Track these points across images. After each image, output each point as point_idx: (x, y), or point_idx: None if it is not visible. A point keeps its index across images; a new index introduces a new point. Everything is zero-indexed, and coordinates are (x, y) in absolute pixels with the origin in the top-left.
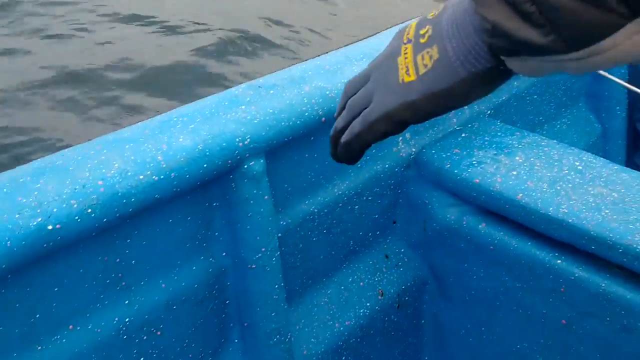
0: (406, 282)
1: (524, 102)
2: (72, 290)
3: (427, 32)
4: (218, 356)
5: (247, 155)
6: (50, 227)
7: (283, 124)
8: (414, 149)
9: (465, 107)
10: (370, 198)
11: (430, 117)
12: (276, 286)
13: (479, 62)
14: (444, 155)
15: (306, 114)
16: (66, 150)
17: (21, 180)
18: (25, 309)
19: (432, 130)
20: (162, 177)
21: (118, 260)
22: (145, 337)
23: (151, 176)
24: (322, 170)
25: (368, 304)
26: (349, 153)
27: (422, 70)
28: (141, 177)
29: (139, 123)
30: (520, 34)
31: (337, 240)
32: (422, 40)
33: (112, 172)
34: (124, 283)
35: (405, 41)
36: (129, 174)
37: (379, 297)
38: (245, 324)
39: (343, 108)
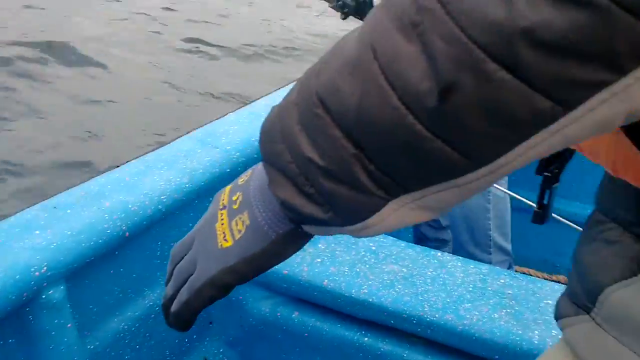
0: None
1: None
2: None
3: (238, 198)
4: None
5: (45, 284)
6: None
7: (84, 245)
8: None
9: None
10: None
11: (252, 278)
12: None
13: (284, 224)
14: None
15: (108, 231)
16: None
17: None
18: None
19: None
20: None
21: None
22: None
23: None
24: (130, 284)
25: None
26: (180, 321)
27: (237, 236)
28: None
29: None
30: (305, 210)
31: (151, 354)
32: (234, 207)
33: None
34: None
35: (220, 207)
36: None
37: None
38: None
39: (172, 275)
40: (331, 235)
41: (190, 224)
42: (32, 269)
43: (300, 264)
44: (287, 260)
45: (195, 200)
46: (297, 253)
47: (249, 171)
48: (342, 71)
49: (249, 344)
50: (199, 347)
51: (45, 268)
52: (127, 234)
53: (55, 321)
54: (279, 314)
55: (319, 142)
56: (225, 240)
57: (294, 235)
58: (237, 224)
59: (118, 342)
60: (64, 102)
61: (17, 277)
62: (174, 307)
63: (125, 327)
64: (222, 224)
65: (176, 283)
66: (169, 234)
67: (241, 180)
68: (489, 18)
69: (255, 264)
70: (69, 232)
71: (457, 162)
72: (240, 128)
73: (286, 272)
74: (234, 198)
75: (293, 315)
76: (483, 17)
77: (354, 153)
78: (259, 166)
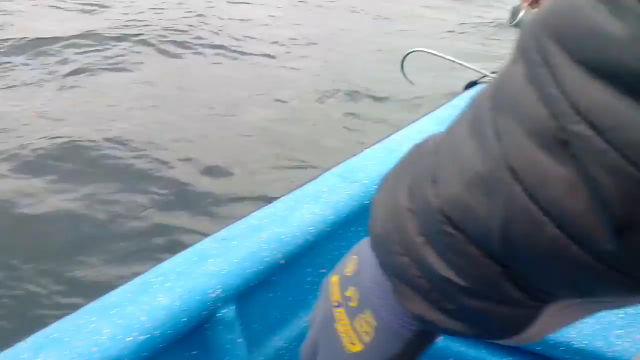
0: None
1: None
2: None
3: (353, 294)
4: None
5: (219, 304)
6: None
7: (248, 271)
8: None
9: None
10: None
11: None
12: None
13: (417, 322)
14: None
15: (266, 259)
16: (59, 322)
17: (22, 356)
18: None
19: None
20: (147, 336)
21: None
22: None
23: (138, 337)
24: (287, 306)
25: None
26: None
27: (365, 339)
28: (129, 339)
29: (121, 287)
30: (445, 325)
31: None
32: (352, 304)
33: (104, 338)
34: None
35: (335, 304)
36: (119, 337)
37: None
38: None
39: None
40: None
41: (335, 252)
42: (209, 292)
43: None
44: None
45: (338, 231)
46: None
47: (353, 257)
48: (471, 189)
49: None
50: None
51: (219, 290)
52: (282, 261)
53: (229, 337)
54: None
55: (454, 260)
56: (352, 344)
57: (424, 332)
58: (361, 325)
59: (278, 359)
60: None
61: (197, 298)
62: None
63: (285, 344)
64: (344, 325)
65: None
66: (316, 261)
67: (348, 270)
68: None
69: None
70: (236, 260)
71: (631, 287)
72: (376, 163)
73: None
74: (348, 294)
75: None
76: None
77: (501, 271)
78: (364, 252)
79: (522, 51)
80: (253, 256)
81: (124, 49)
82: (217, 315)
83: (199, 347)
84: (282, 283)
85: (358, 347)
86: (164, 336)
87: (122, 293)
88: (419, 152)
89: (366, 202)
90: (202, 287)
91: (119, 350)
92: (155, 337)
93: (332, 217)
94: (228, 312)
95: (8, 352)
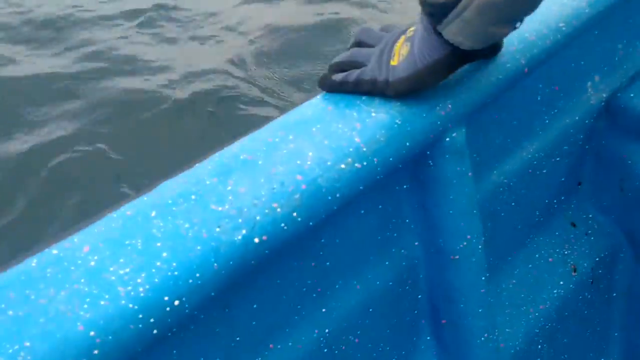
0: (599, 253)
1: None
2: (270, 306)
3: (412, 30)
4: (412, 358)
5: (450, 125)
6: (256, 240)
7: (483, 81)
8: (604, 94)
9: None
10: (557, 159)
11: (405, 95)
12: (483, 278)
13: (430, 55)
14: None
15: (508, 64)
16: (245, 139)
17: (208, 182)
18: (224, 333)
19: (626, 67)
20: (364, 163)
21: (313, 264)
22: (344, 347)
23: (353, 164)
24: (511, 133)
25: (561, 282)
26: (334, 88)
27: (400, 59)
28: (342, 166)
29: (314, 98)
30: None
31: (523, 212)
32: (408, 35)
33: (309, 163)
34: (319, 289)
35: (406, 33)
36: (329, 164)
37: (572, 274)
38: (444, 322)
39: (353, 46)
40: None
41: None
42: (438, 108)
43: None
44: None
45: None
46: None
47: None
48: None
49: (628, 211)
50: (565, 210)
51: (450, 107)
52: (525, 69)
53: (457, 168)
54: None
55: None
56: (393, 60)
57: (438, 64)
58: (402, 49)
59: (497, 196)
60: None
61: (423, 115)
62: (340, 77)
63: (504, 180)
64: (397, 46)
65: (351, 61)
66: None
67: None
68: None
69: (407, 85)
70: (467, 67)
71: None
72: None
73: None
74: (411, 29)
75: None
76: None
77: None
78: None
79: None
80: (491, 63)
81: None
82: (446, 139)
83: (410, 179)
84: (511, 100)
85: (394, 62)
86: (384, 165)
87: (321, 107)
88: None
89: None
90: (430, 102)
91: (330, 181)
92: (374, 166)
93: (587, 11)
94: (458, 136)
95: (189, 174)
